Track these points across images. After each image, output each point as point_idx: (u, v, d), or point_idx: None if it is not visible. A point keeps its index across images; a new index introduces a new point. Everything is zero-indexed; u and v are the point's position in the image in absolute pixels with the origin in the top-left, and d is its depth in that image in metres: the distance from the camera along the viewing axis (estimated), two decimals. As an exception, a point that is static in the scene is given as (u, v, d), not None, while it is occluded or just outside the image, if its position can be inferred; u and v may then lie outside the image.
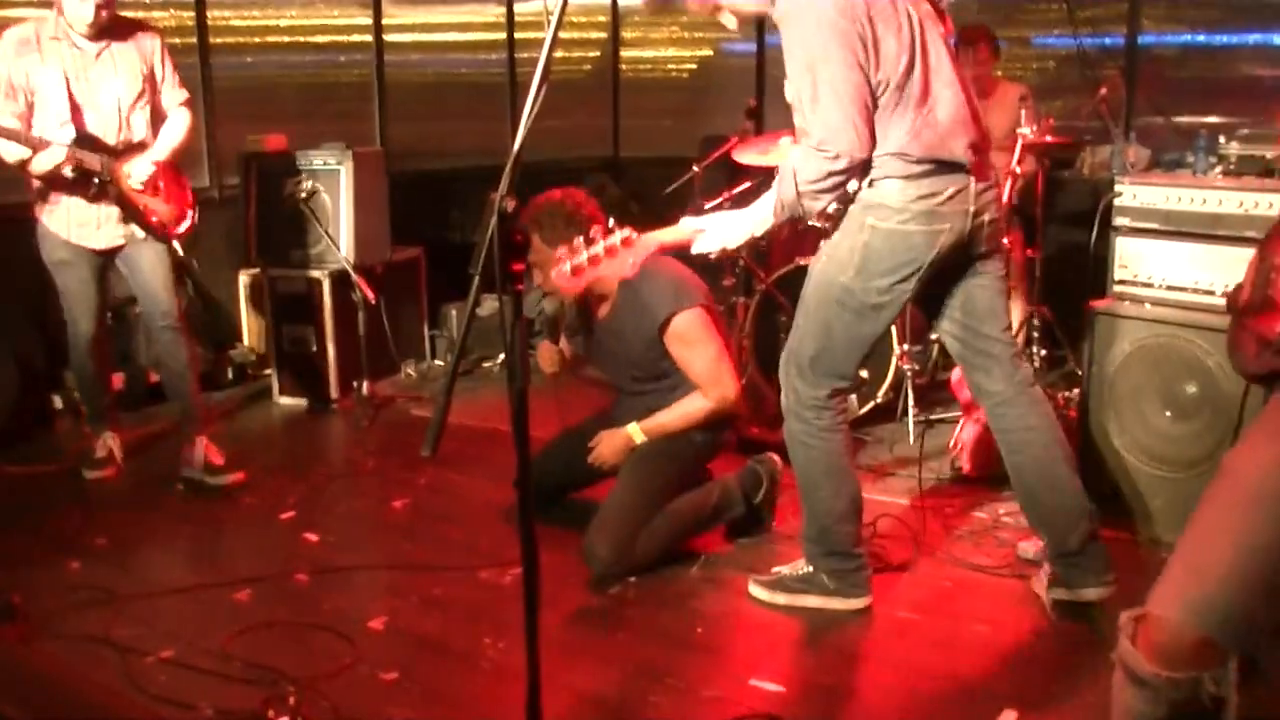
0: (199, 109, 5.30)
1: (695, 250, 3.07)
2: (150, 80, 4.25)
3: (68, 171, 4.02)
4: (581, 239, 2.68)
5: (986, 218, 3.01)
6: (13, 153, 3.98)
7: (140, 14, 5.78)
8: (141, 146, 4.23)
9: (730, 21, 3.09)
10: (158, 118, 4.31)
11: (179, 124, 4.35)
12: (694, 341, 3.60)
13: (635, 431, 3.68)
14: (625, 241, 2.71)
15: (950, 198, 2.90)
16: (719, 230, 3.05)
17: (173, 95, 4.35)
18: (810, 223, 3.07)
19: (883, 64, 2.81)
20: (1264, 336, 2.19)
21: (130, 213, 4.21)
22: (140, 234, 4.26)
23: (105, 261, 4.30)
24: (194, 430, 4.44)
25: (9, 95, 4.03)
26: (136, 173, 4.17)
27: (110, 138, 4.15)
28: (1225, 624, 1.75)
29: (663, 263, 3.73)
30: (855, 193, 2.93)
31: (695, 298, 3.62)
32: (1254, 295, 2.48)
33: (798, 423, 3.16)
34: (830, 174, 2.80)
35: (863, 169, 2.86)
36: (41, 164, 3.97)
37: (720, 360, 3.63)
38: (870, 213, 2.93)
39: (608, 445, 3.73)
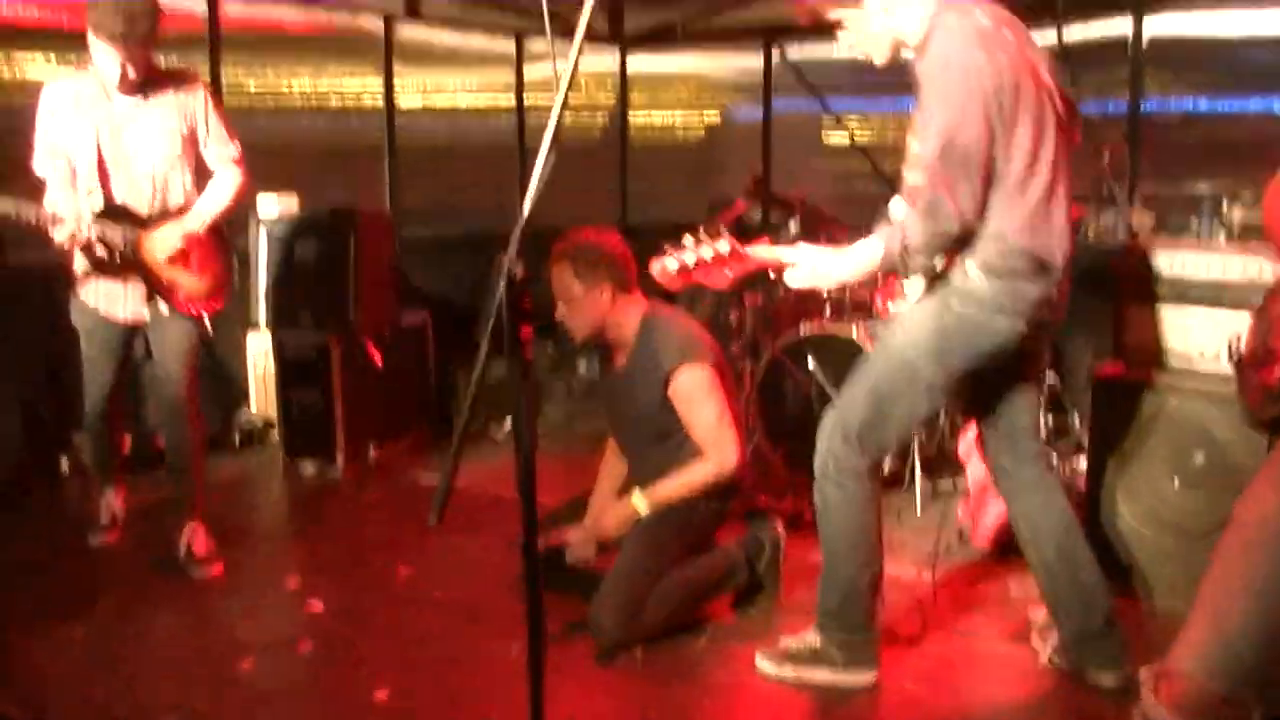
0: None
1: (788, 281, 3.03)
2: (191, 140, 4.03)
3: (97, 248, 3.89)
4: (690, 238, 2.70)
5: (1054, 325, 3.03)
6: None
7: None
8: (180, 211, 4.01)
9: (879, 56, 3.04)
10: (204, 175, 4.09)
11: (223, 188, 4.09)
12: (697, 399, 3.60)
13: (639, 503, 3.66)
14: (733, 254, 2.71)
15: (1034, 302, 2.89)
16: (814, 266, 2.99)
17: (220, 151, 4.10)
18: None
19: (1013, 145, 2.81)
20: (1266, 384, 2.22)
21: (154, 288, 3.99)
22: (165, 310, 4.04)
23: (131, 332, 4.11)
24: (186, 514, 4.22)
25: (52, 154, 3.88)
26: (163, 245, 3.94)
27: (142, 205, 3.94)
28: (1244, 677, 1.74)
29: (677, 317, 3.76)
30: (945, 266, 2.90)
31: (704, 355, 3.63)
32: (1256, 346, 2.53)
33: (835, 489, 3.11)
34: (940, 235, 2.78)
35: (964, 240, 2.83)
36: (60, 238, 3.79)
37: (722, 422, 3.62)
38: (955, 296, 2.90)
39: (611, 518, 3.71)
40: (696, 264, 2.70)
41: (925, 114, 2.82)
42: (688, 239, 2.73)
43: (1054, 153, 2.89)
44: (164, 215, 4.00)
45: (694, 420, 3.62)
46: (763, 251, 2.98)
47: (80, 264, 3.99)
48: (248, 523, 4.74)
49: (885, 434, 3.09)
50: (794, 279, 3.03)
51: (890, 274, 3.06)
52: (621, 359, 3.78)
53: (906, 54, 2.98)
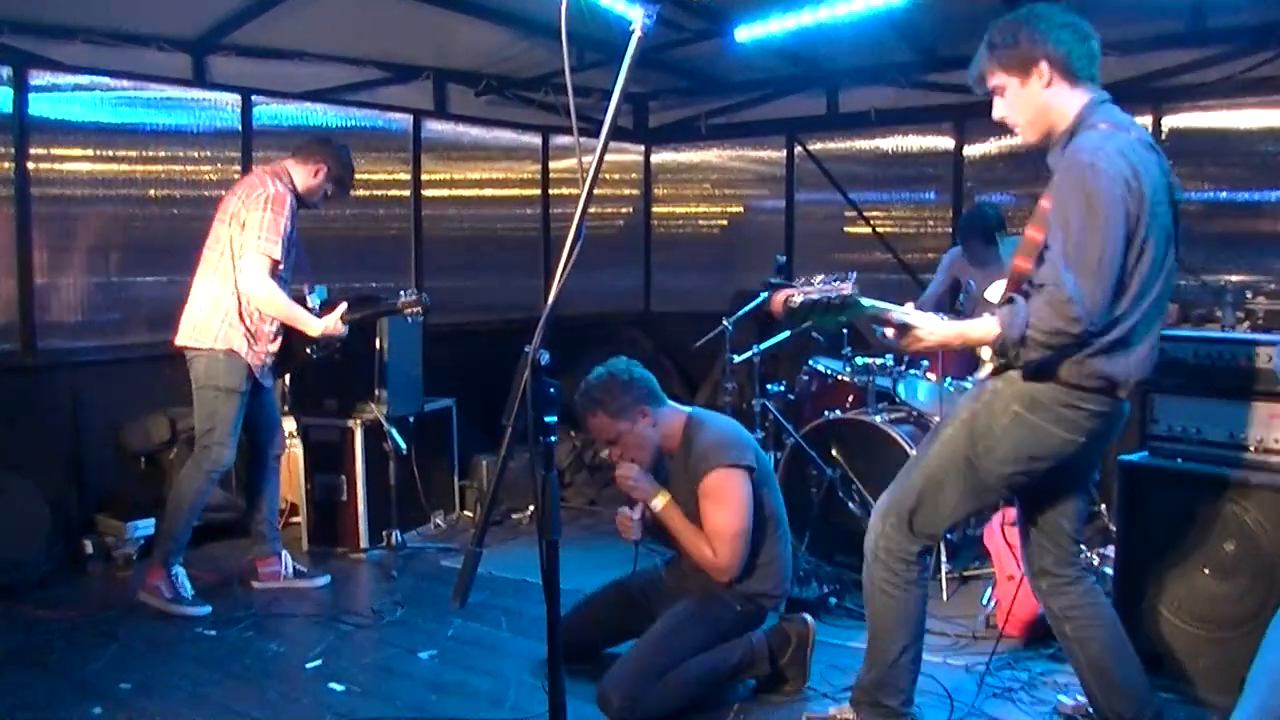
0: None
1: (894, 339, 2.95)
2: None
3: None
4: (819, 278, 2.73)
5: (1115, 439, 3.00)
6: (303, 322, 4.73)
7: (189, 166, 6.03)
8: None
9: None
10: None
11: None
12: (714, 500, 3.62)
13: (660, 500, 3.68)
14: (850, 299, 2.72)
15: (1094, 417, 2.87)
16: (925, 327, 2.90)
17: None
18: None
19: (1136, 268, 2.77)
20: None
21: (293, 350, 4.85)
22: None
23: None
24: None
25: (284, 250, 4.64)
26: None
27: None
28: None
29: (718, 419, 3.81)
30: (1020, 366, 2.85)
31: (741, 458, 3.64)
32: None
33: (883, 570, 3.11)
34: (1061, 333, 2.70)
35: (1082, 341, 2.74)
36: (334, 324, 4.75)
37: (731, 529, 3.60)
38: (1019, 401, 2.89)
39: (645, 487, 3.71)
40: (817, 304, 2.70)
41: (1063, 210, 2.75)
42: (816, 278, 2.73)
43: (1161, 286, 2.85)
44: None
45: (707, 518, 3.64)
46: (879, 304, 2.91)
47: (256, 336, 4.68)
48: (271, 604, 4.72)
49: (936, 522, 3.07)
50: (903, 342, 2.93)
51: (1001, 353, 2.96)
52: (671, 455, 3.82)
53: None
